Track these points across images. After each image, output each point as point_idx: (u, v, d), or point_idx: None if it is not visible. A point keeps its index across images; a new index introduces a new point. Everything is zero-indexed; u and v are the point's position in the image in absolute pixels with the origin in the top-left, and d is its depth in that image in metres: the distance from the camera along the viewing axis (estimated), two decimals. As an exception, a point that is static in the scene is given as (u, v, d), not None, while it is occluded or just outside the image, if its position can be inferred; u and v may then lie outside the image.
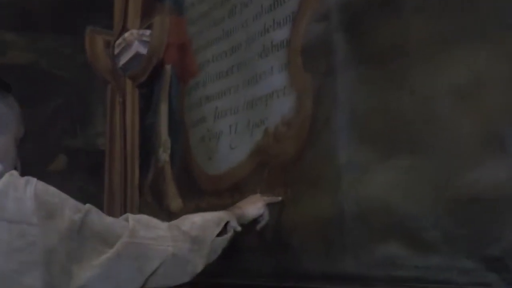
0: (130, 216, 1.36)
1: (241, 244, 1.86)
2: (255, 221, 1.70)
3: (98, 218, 1.28)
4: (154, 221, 1.40)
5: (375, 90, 1.46)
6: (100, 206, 2.56)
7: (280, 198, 1.72)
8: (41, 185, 1.25)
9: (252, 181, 1.84)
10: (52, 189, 1.26)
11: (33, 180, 1.26)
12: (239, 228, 1.59)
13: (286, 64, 1.75)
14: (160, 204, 2.42)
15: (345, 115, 1.53)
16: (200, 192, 2.11)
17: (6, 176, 1.25)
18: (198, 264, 1.43)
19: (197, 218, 1.51)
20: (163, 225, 1.41)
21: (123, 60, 2.76)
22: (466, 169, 1.25)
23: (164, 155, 2.43)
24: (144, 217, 1.39)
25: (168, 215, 2.30)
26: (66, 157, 2.58)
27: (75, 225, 1.22)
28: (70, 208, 1.24)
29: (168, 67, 2.49)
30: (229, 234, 1.56)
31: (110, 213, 2.63)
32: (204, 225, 1.50)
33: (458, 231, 1.26)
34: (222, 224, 1.54)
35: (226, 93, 2.03)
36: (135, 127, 2.71)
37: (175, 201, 2.29)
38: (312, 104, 1.65)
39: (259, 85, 1.87)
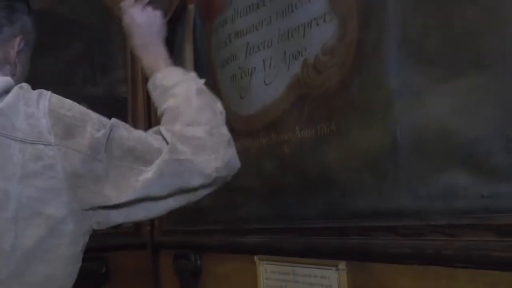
0: (163, 130, 1.21)
1: (279, 186, 1.77)
2: None
3: (128, 133, 1.15)
4: (189, 132, 1.24)
5: (430, 4, 1.33)
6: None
7: None
8: (56, 98, 1.11)
9: (291, 117, 1.74)
10: (69, 102, 1.12)
11: (47, 93, 1.10)
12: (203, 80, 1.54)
13: (325, -11, 1.63)
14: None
15: (397, 36, 1.41)
16: (233, 134, 1.99)
17: (16, 89, 1.10)
18: (237, 167, 1.35)
19: (197, 102, 1.37)
20: (199, 132, 1.25)
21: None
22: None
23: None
24: (177, 129, 1.23)
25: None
26: (87, 105, 2.48)
27: (99, 143, 1.09)
28: (92, 124, 1.11)
29: (191, 7, 2.36)
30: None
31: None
32: (211, 107, 1.39)
33: (531, 153, 1.14)
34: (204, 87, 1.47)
35: (258, 26, 1.91)
36: (158, 73, 2.60)
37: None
38: (358, 28, 1.53)
39: (295, 14, 1.75)
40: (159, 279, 2.52)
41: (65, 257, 1.12)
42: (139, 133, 1.18)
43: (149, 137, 1.18)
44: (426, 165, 1.34)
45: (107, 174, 1.09)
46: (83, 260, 2.27)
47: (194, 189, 1.22)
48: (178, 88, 1.41)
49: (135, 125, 2.50)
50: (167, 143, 1.17)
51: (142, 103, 2.62)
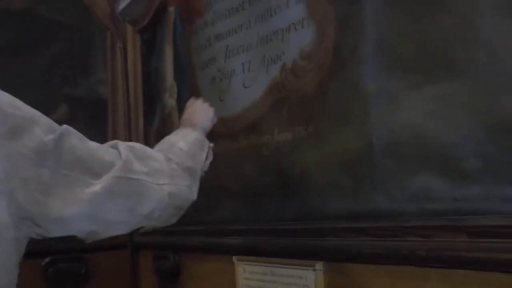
0: (121, 144, 1.15)
1: (258, 188, 1.80)
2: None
3: (80, 142, 1.06)
4: (148, 151, 1.21)
5: (406, 12, 1.37)
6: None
7: None
8: (7, 97, 1.00)
9: (270, 120, 1.76)
10: (19, 102, 1.01)
11: None
12: (212, 145, 1.51)
13: (303, -5, 1.66)
14: (168, 152, 2.34)
15: (373, 42, 1.45)
16: (212, 136, 2.02)
17: None
18: (191, 199, 1.31)
19: (182, 144, 1.36)
20: (159, 156, 1.23)
21: (122, 4, 2.65)
22: (509, 92, 1.17)
23: (170, 100, 2.34)
24: (137, 146, 1.18)
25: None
26: (68, 107, 2.48)
27: (47, 148, 0.99)
28: (41, 127, 1.00)
29: (171, 9, 2.38)
30: (210, 157, 1.47)
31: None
32: (192, 152, 1.36)
33: (501, 158, 1.18)
34: (206, 148, 1.45)
35: (237, 30, 1.94)
36: (138, 74, 2.62)
37: (184, 147, 2.21)
38: (335, 34, 1.56)
39: (274, 19, 1.78)
40: (139, 279, 2.53)
41: (7, 265, 1.01)
42: (92, 144, 1.10)
43: (102, 150, 1.10)
44: (401, 168, 1.37)
45: (53, 183, 1.00)
46: (63, 260, 2.29)
47: (147, 214, 1.16)
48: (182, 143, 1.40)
49: (115, 126, 2.52)
50: (121, 158, 1.10)
51: (122, 104, 2.62)
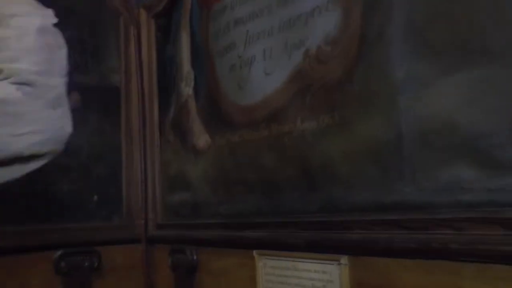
0: None
1: (279, 179, 1.80)
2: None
3: None
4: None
5: (437, -6, 1.36)
6: (117, 148, 2.55)
7: None
8: None
9: (292, 108, 1.76)
10: None
11: None
12: None
13: (328, -23, 1.65)
14: (184, 143, 2.36)
15: (402, 25, 1.44)
16: (231, 125, 2.03)
17: None
18: None
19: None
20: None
21: (136, -12, 2.66)
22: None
23: (187, 89, 2.34)
24: None
25: (194, 154, 2.25)
26: (80, 95, 2.50)
27: None
28: None
29: (187, -7, 2.38)
30: None
31: (128, 155, 2.57)
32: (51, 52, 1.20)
33: (539, 146, 1.17)
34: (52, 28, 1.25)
35: (258, 14, 1.93)
36: (152, 61, 2.62)
37: (202, 138, 2.22)
38: (362, 18, 1.55)
39: (297, 2, 1.78)
40: (154, 275, 2.55)
41: None
42: None
43: None
44: (431, 158, 1.37)
45: None
46: (76, 254, 2.31)
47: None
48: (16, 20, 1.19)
49: (128, 115, 2.53)
50: None
51: (136, 92, 2.63)
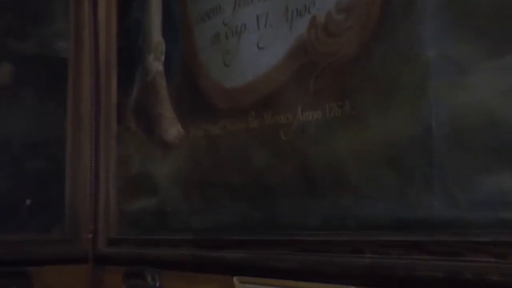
0: None
1: (272, 184, 1.81)
2: None
3: None
4: None
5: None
6: (60, 136, 2.55)
7: None
8: None
9: (292, 93, 1.78)
10: None
11: None
12: None
13: None
14: (149, 133, 2.37)
15: (436, -7, 1.46)
16: (212, 113, 2.05)
17: None
18: None
19: None
20: None
21: None
22: None
23: (155, 64, 2.36)
24: None
25: (163, 148, 2.26)
26: (12, 67, 2.50)
27: None
28: None
29: None
30: None
31: (75, 146, 2.58)
32: None
33: None
34: None
35: (252, -30, 1.95)
36: (112, 27, 2.63)
37: (172, 128, 2.23)
38: (385, -20, 1.57)
39: (302, -44, 1.79)
40: (103, 304, 2.55)
41: None
42: None
43: None
44: (468, 162, 1.39)
45: None
46: (1, 275, 2.30)
47: None
48: None
49: (77, 94, 2.54)
50: None
51: (88, 66, 2.64)
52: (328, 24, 1.70)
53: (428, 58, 1.47)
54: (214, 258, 1.99)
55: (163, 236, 2.24)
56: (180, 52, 2.22)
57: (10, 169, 2.43)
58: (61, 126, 2.59)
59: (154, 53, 2.36)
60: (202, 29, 2.12)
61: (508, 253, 1.30)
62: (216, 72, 2.03)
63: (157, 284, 2.25)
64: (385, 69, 1.56)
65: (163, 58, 2.33)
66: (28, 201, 2.46)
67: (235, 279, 1.89)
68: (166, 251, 2.21)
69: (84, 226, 2.55)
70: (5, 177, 2.42)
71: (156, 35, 2.36)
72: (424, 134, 1.47)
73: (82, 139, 2.60)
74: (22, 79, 2.49)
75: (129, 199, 2.46)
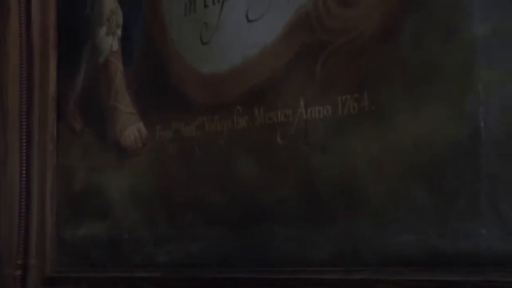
0: None
1: (264, 203, 1.82)
2: None
3: None
4: None
5: None
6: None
7: None
8: None
9: (291, 82, 1.80)
10: None
11: None
12: None
13: None
14: (99, 134, 2.38)
15: None
16: (185, 107, 2.06)
17: None
18: None
19: None
20: None
21: None
22: None
23: (109, 41, 2.38)
24: None
25: (118, 155, 2.27)
26: None
27: None
28: None
29: None
30: None
31: (2, 150, 2.58)
32: None
33: None
34: None
35: None
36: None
37: (131, 128, 2.25)
38: None
39: None
40: None
41: None
42: None
43: None
44: (528, 178, 1.41)
45: None
46: None
47: None
48: None
49: (2, 85, 2.55)
50: None
51: (17, 44, 2.66)
52: (340, -8, 1.72)
53: (476, 36, 1.49)
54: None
55: (118, 274, 2.24)
56: (143, 25, 2.22)
57: None
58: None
59: (107, 25, 2.37)
60: (171, -5, 2.13)
61: None
62: (191, 52, 2.04)
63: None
64: (416, 52, 1.57)
65: (119, 32, 2.33)
66: None
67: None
68: (122, 293, 2.22)
69: (9, 259, 2.55)
70: None
71: (110, 1, 2.37)
72: (470, 139, 1.48)
73: (8, 142, 2.60)
74: None
75: (72, 224, 2.46)
